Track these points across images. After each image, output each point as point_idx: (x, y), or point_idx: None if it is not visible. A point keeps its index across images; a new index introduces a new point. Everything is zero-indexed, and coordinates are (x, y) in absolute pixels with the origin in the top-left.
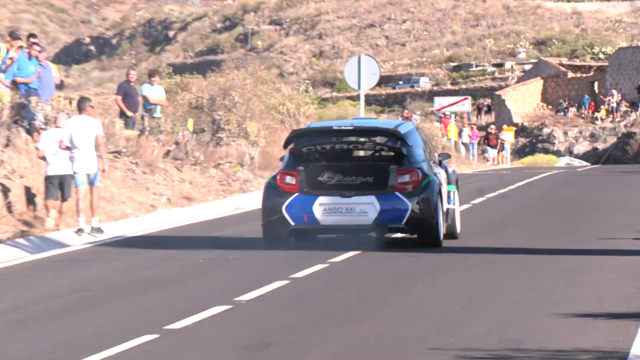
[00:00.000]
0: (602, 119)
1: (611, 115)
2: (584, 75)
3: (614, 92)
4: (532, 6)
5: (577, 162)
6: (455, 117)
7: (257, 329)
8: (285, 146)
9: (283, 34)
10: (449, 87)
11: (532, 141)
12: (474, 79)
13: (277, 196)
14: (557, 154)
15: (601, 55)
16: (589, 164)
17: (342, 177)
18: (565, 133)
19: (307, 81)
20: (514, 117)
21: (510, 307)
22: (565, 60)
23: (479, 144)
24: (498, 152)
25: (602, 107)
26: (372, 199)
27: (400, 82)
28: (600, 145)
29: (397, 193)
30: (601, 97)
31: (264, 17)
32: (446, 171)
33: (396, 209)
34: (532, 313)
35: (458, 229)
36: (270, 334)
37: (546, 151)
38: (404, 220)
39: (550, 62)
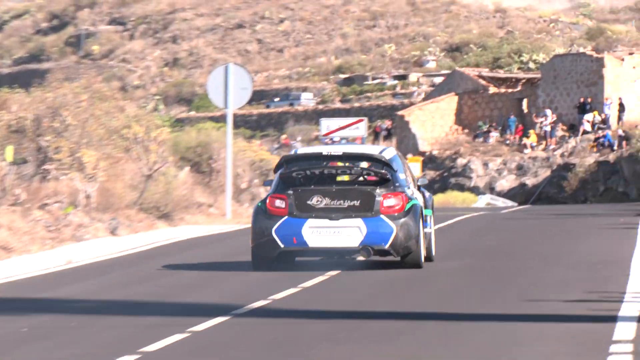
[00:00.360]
0: (532, 147)
1: (544, 142)
2: (510, 90)
3: (548, 112)
4: (445, 2)
5: (500, 202)
6: (347, 144)
7: None
8: (275, 170)
9: (126, 36)
10: (339, 105)
11: (443, 175)
12: (370, 95)
13: (266, 219)
14: (475, 191)
15: (532, 65)
16: (515, 204)
17: (330, 200)
18: (486, 164)
19: (157, 97)
20: (421, 143)
21: None
22: (486, 71)
23: None
24: None
25: (532, 131)
26: (358, 222)
27: (277, 99)
28: (530, 180)
29: (382, 216)
30: (533, 117)
31: (101, 15)
32: (423, 195)
33: (381, 232)
34: None
35: (433, 252)
36: None
37: (461, 187)
38: (389, 243)
39: (467, 74)
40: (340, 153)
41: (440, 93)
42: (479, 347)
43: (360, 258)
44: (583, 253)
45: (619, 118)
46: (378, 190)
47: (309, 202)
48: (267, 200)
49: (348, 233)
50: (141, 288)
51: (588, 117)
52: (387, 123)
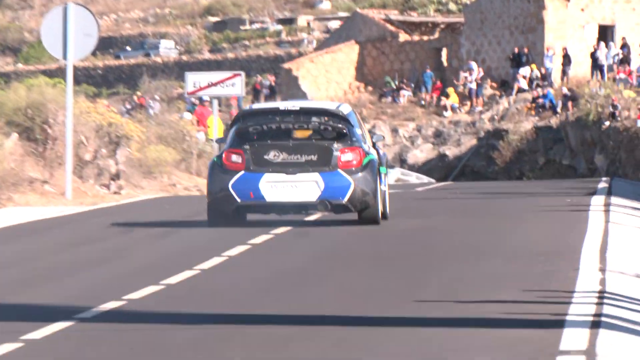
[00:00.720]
0: (453, 108)
1: (468, 103)
2: (426, 38)
3: (473, 65)
4: None
5: (414, 178)
6: (219, 105)
7: None
8: (231, 126)
9: None
10: (208, 56)
11: None
12: (247, 43)
13: (223, 174)
14: None
15: (452, 6)
16: (433, 180)
17: (287, 155)
18: (395, 131)
19: None
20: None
21: None
22: (394, 14)
23: None
24: None
25: (452, 89)
26: (316, 176)
27: (128, 48)
28: (451, 151)
29: (339, 171)
30: (455, 76)
31: None
32: (377, 153)
33: (339, 186)
34: None
35: (388, 210)
36: None
37: None
38: (347, 197)
39: (371, 17)
40: (298, 108)
41: (337, 41)
42: None
43: (318, 215)
44: (520, 242)
45: (564, 73)
46: (335, 145)
47: (265, 156)
48: (223, 155)
49: (306, 187)
50: None
51: (524, 71)
52: (269, 79)
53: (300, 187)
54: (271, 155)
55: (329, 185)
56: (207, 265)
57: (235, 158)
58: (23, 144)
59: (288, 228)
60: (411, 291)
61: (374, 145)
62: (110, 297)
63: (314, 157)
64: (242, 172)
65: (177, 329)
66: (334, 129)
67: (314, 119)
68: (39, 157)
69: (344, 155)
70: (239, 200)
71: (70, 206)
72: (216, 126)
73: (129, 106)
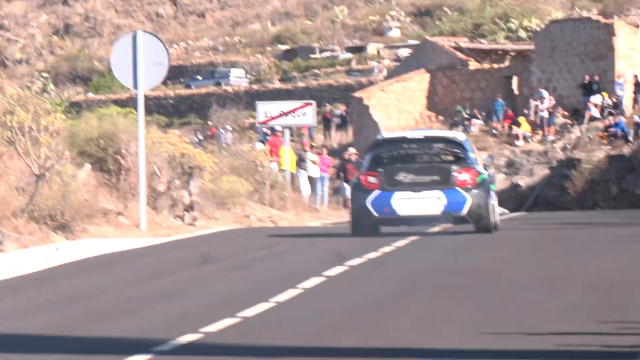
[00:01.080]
0: (525, 138)
1: (540, 131)
2: (496, 65)
3: (545, 93)
4: None
5: None
6: (291, 135)
7: None
8: (367, 152)
9: None
10: (278, 85)
11: None
12: (317, 72)
13: (362, 193)
14: None
15: (522, 34)
16: (506, 210)
17: (415, 176)
18: None
19: (44, 74)
20: (385, 134)
21: None
22: (465, 42)
23: (331, 178)
24: None
25: (523, 118)
26: (438, 193)
27: (199, 77)
28: (524, 181)
29: (457, 188)
30: (526, 104)
31: None
32: (487, 173)
33: (458, 201)
34: None
35: (498, 222)
36: None
37: None
38: (465, 210)
39: (441, 45)
40: (422, 137)
41: (408, 70)
42: None
43: (443, 226)
44: (595, 273)
45: (635, 101)
46: (453, 167)
47: (396, 177)
48: (362, 177)
49: (431, 203)
50: (40, 318)
51: (595, 99)
52: (340, 108)
53: (426, 203)
54: (401, 176)
55: (449, 201)
56: (282, 297)
57: (371, 179)
58: (96, 175)
59: (365, 259)
60: (486, 323)
61: (484, 166)
62: (187, 329)
63: (436, 177)
64: (377, 191)
65: None
66: (451, 153)
67: (435, 145)
68: (113, 188)
69: (461, 175)
70: (375, 214)
71: (145, 238)
72: (288, 156)
73: (201, 136)
